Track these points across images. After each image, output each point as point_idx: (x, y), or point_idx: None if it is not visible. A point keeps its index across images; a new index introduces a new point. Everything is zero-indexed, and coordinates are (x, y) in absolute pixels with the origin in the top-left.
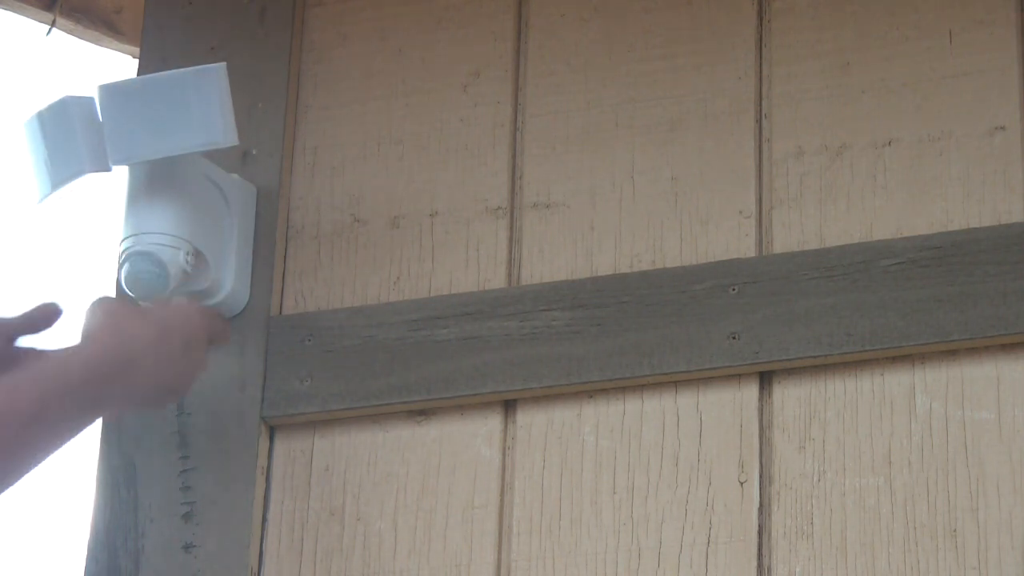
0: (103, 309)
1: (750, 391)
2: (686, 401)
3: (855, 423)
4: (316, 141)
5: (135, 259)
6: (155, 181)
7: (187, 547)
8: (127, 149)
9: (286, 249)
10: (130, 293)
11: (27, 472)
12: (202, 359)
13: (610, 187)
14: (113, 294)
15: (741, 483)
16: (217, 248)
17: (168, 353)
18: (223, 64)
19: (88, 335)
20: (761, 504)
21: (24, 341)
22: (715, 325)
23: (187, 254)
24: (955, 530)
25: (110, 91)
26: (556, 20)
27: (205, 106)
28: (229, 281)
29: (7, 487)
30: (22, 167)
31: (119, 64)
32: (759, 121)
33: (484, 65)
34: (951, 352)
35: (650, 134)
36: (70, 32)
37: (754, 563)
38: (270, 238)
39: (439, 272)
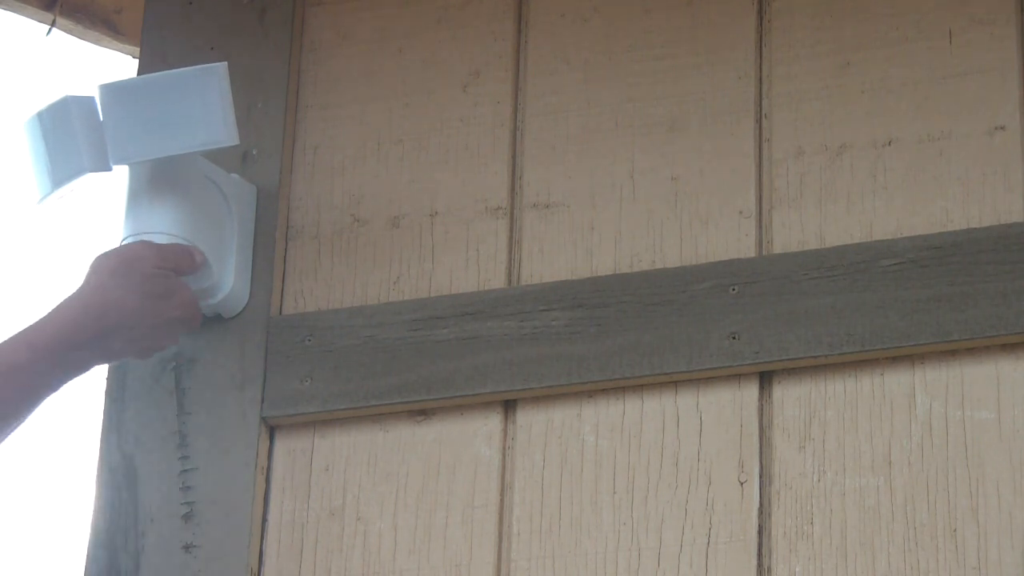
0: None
1: (750, 391)
2: (686, 401)
3: (855, 423)
4: (316, 141)
5: None
6: (156, 181)
7: (187, 547)
8: (128, 148)
9: (286, 249)
10: None
11: (12, 424)
12: (164, 288)
13: (610, 187)
14: None
15: (741, 483)
16: (217, 248)
17: (113, 289)
18: (224, 64)
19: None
20: (761, 504)
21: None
22: (715, 325)
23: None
24: (955, 530)
25: (111, 90)
26: (556, 20)
27: (206, 106)
28: (229, 281)
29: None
30: (22, 167)
31: (119, 64)
32: (759, 121)
33: (484, 65)
34: (951, 352)
35: (650, 134)
36: (70, 32)
37: (754, 563)
38: (270, 238)
39: (439, 272)
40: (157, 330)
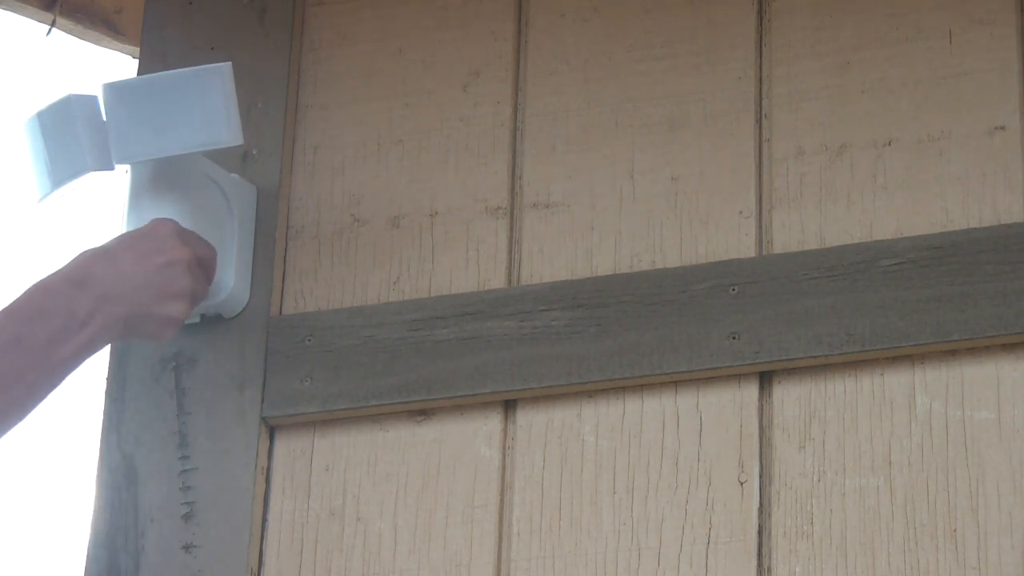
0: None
1: (750, 391)
2: (686, 401)
3: (855, 423)
4: (316, 141)
5: None
6: (157, 180)
7: (187, 547)
8: (132, 148)
9: (286, 249)
10: None
11: (20, 408)
12: (175, 273)
13: (610, 187)
14: None
15: (741, 483)
16: (217, 248)
17: (124, 263)
18: (228, 63)
19: None
20: (761, 504)
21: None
22: (715, 325)
23: None
24: (955, 530)
25: (115, 89)
26: (556, 20)
27: (210, 105)
28: (229, 281)
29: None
30: (22, 167)
31: (119, 64)
32: (759, 121)
33: (484, 65)
34: (951, 352)
35: (650, 134)
36: (70, 32)
37: (754, 563)
38: (270, 238)
39: (439, 272)
40: (146, 294)
